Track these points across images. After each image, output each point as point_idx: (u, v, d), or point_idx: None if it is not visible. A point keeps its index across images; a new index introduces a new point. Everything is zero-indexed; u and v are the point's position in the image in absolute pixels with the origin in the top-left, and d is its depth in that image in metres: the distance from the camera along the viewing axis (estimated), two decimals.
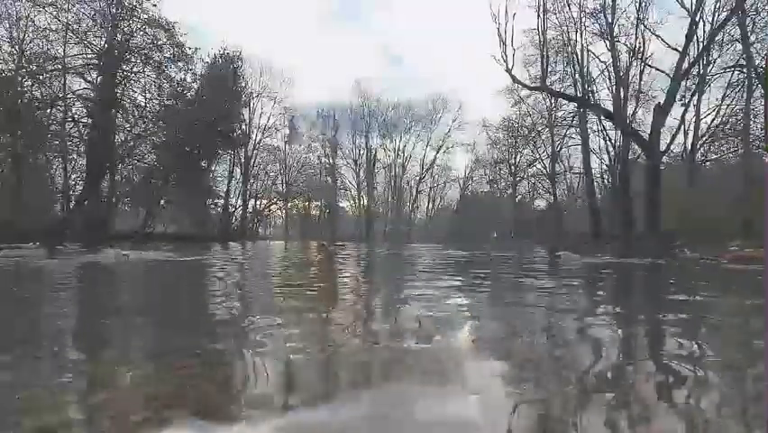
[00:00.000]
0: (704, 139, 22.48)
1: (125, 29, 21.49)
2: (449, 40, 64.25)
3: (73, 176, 21.99)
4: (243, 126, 31.94)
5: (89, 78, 21.38)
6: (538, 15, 24.29)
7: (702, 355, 2.13)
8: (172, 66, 23.03)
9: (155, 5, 21.24)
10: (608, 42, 23.55)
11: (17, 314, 3.29)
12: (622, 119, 23.02)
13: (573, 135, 29.07)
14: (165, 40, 22.20)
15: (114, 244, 10.81)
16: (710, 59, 21.17)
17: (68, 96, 20.87)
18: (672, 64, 21.46)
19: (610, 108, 23.97)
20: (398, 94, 54.03)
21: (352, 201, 42.48)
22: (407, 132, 40.80)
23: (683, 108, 21.92)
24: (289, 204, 38.90)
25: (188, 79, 24.27)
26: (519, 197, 36.61)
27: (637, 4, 22.54)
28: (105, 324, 3.00)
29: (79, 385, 1.67)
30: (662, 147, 22.23)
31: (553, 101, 29.40)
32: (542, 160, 33.26)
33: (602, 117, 25.21)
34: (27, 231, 12.82)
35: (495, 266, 8.57)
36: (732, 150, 21.80)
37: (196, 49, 23.61)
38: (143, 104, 22.68)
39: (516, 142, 33.75)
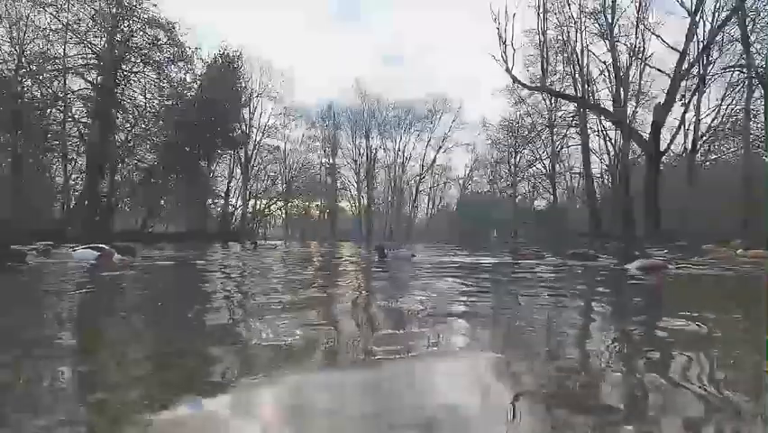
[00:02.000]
0: (704, 139, 22.48)
1: (125, 29, 21.51)
2: (449, 40, 64.28)
3: (73, 176, 22.03)
4: (243, 126, 31.96)
5: (89, 78, 21.39)
6: (538, 15, 24.41)
7: None
8: (172, 66, 23.09)
9: (155, 5, 21.28)
10: (607, 42, 23.62)
11: None
12: (622, 119, 23.05)
13: (573, 135, 29.12)
14: (165, 40, 22.23)
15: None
16: (710, 59, 21.18)
17: (68, 96, 20.89)
18: (671, 64, 21.52)
19: (610, 108, 24.01)
20: (398, 94, 54.12)
21: (351, 201, 42.51)
22: (407, 132, 40.83)
23: (683, 108, 21.94)
24: (289, 204, 38.88)
25: (188, 79, 24.33)
26: (519, 197, 36.59)
27: (637, 4, 22.62)
28: None
29: None
30: (663, 147, 22.27)
31: (553, 101, 29.42)
32: (542, 160, 33.28)
33: (602, 117, 25.24)
34: (27, 231, 12.83)
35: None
36: (732, 150, 21.81)
37: (196, 49, 23.68)
38: (143, 104, 22.72)
39: (516, 142, 33.75)
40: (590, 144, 26.62)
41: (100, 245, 6.46)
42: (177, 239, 20.41)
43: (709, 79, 21.47)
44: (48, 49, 19.90)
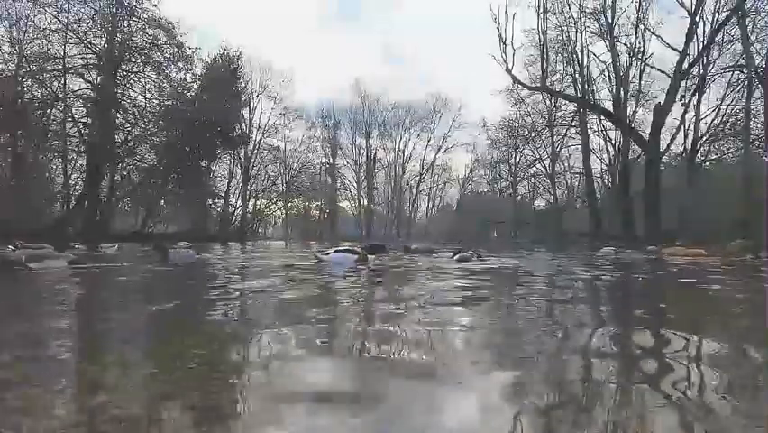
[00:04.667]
0: (704, 139, 22.45)
1: (125, 29, 21.50)
2: (449, 40, 64.20)
3: (73, 176, 22.01)
4: (243, 126, 31.94)
5: (89, 78, 21.39)
6: (538, 15, 24.36)
7: None
8: (172, 66, 23.08)
9: (155, 5, 21.26)
10: (607, 42, 23.61)
11: None
12: (622, 119, 23.04)
13: (573, 135, 29.08)
14: (165, 40, 22.22)
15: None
16: (710, 59, 21.16)
17: (68, 96, 20.88)
18: (671, 64, 21.51)
19: (610, 108, 24.00)
20: (398, 94, 54.19)
21: (351, 201, 42.54)
22: (407, 132, 40.84)
23: (683, 108, 21.92)
24: (289, 204, 38.89)
25: (188, 79, 24.31)
26: (519, 197, 36.59)
27: (637, 4, 22.60)
28: None
29: None
30: (663, 147, 22.26)
31: (553, 101, 29.38)
32: (542, 160, 33.26)
33: (602, 117, 25.22)
34: (27, 231, 12.83)
35: None
36: (732, 150, 21.77)
37: (196, 49, 23.67)
38: (143, 104, 22.72)
39: (516, 142, 33.72)
40: (590, 144, 26.62)
41: (353, 248, 7.27)
42: (177, 239, 20.38)
43: (709, 79, 21.45)
44: (48, 49, 19.89)
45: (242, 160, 33.33)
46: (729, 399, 1.31)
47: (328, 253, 6.97)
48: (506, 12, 23.24)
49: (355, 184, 41.51)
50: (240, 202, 34.03)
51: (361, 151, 40.81)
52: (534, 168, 34.18)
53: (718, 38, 20.32)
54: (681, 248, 9.93)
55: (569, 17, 24.44)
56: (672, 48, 21.52)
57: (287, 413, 1.19)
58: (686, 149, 22.84)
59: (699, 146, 22.41)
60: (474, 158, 39.11)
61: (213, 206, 30.02)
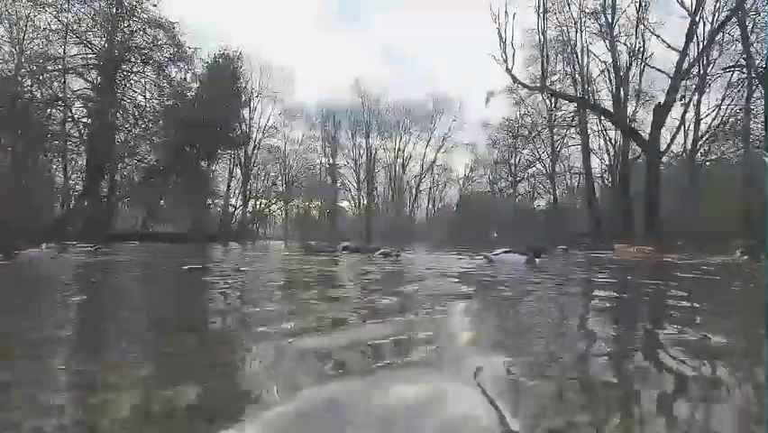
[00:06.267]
0: (704, 139, 22.45)
1: (125, 29, 21.52)
2: (449, 40, 64.02)
3: (73, 176, 22.02)
4: (243, 126, 31.92)
5: (89, 78, 21.39)
6: (538, 15, 24.39)
7: None
8: (172, 66, 23.09)
9: (155, 5, 21.30)
10: (607, 42, 23.63)
11: None
12: (622, 119, 23.05)
13: (573, 135, 29.06)
14: (165, 40, 22.24)
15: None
16: (710, 59, 21.17)
17: (68, 96, 20.89)
18: (672, 64, 21.51)
19: (610, 108, 24.00)
20: (398, 94, 54.08)
21: (351, 201, 42.52)
22: (407, 132, 40.80)
23: (683, 108, 21.93)
24: (289, 204, 38.88)
25: (188, 79, 24.32)
26: (519, 197, 36.55)
27: (637, 4, 22.64)
28: None
29: None
30: (663, 147, 22.26)
31: (552, 101, 29.37)
32: (542, 160, 33.25)
33: (602, 117, 25.22)
34: (27, 231, 12.82)
35: None
36: (732, 150, 21.77)
37: (195, 49, 23.68)
38: (143, 104, 22.72)
39: (516, 142, 33.72)
40: (590, 144, 26.62)
41: (519, 250, 7.67)
42: (179, 240, 20.38)
43: (709, 79, 21.46)
44: (48, 49, 19.91)
45: (242, 160, 33.32)
46: None
47: (497, 254, 7.24)
48: (506, 12, 23.25)
49: (355, 184, 41.50)
50: (240, 202, 34.05)
51: (361, 151, 40.77)
52: (534, 168, 34.19)
53: (718, 38, 20.34)
54: (635, 248, 10.17)
55: (569, 17, 24.50)
56: (672, 48, 21.54)
57: None
58: (686, 149, 22.86)
59: (699, 146, 22.42)
60: (474, 158, 39.13)
61: (213, 206, 30.03)
